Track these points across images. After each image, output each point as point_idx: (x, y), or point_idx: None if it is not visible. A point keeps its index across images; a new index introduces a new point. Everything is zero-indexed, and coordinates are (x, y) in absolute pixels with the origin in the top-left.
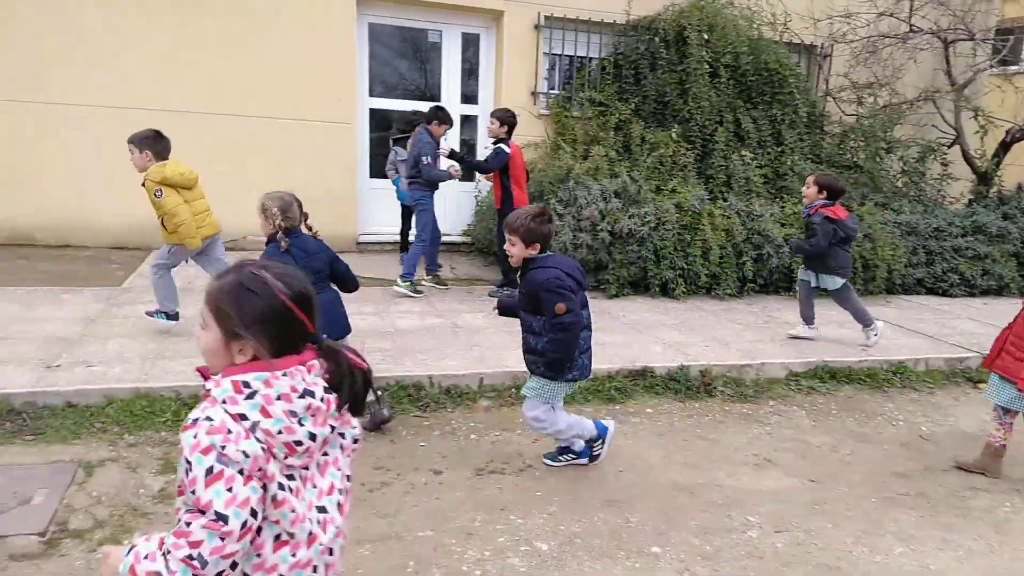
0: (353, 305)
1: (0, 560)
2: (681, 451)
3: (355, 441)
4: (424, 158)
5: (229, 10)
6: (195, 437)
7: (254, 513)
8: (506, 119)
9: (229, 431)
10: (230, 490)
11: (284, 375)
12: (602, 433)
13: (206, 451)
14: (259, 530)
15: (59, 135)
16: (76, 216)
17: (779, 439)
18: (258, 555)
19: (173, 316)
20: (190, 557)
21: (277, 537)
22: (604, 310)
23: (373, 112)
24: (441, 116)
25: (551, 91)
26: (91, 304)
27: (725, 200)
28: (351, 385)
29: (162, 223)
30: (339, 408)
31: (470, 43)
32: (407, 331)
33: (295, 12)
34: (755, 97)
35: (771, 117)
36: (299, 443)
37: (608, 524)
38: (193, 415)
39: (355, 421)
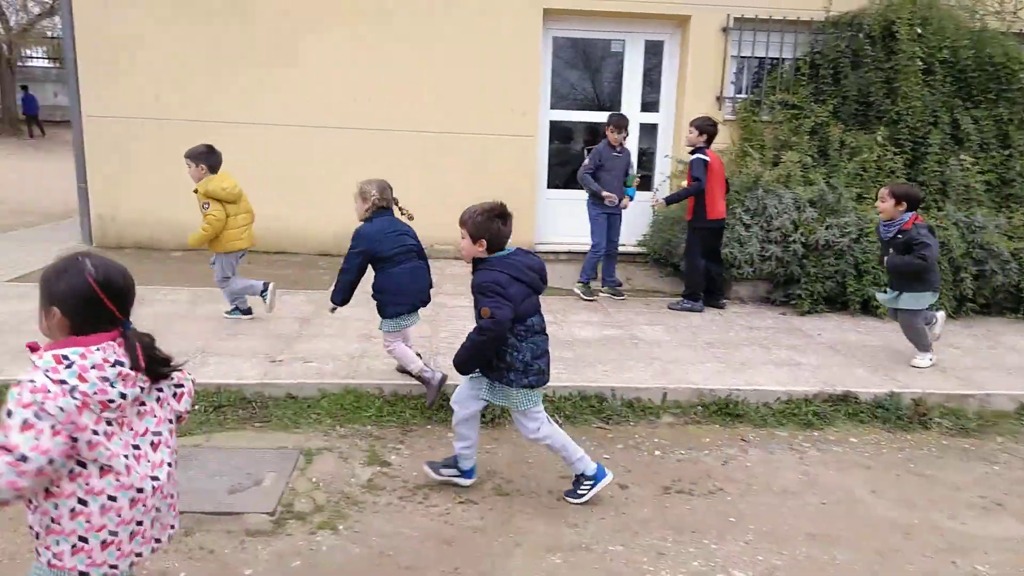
0: None
1: (238, 534)
2: (892, 486)
3: (179, 386)
4: (585, 161)
5: (421, 35)
6: (19, 395)
7: (51, 462)
8: (705, 128)
9: (48, 391)
10: (37, 439)
11: (98, 349)
12: (599, 477)
13: (27, 406)
14: (84, 465)
15: (275, 153)
16: (289, 226)
17: (1010, 480)
18: (87, 483)
19: (246, 311)
20: None
21: (101, 468)
22: (795, 328)
23: (553, 124)
24: (613, 121)
25: (738, 95)
26: (304, 305)
27: (941, 210)
28: (149, 359)
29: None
30: (154, 378)
31: (652, 50)
32: (586, 341)
33: (484, 32)
34: (976, 95)
35: (996, 117)
36: (111, 401)
37: (813, 560)
38: (22, 378)
39: (176, 378)
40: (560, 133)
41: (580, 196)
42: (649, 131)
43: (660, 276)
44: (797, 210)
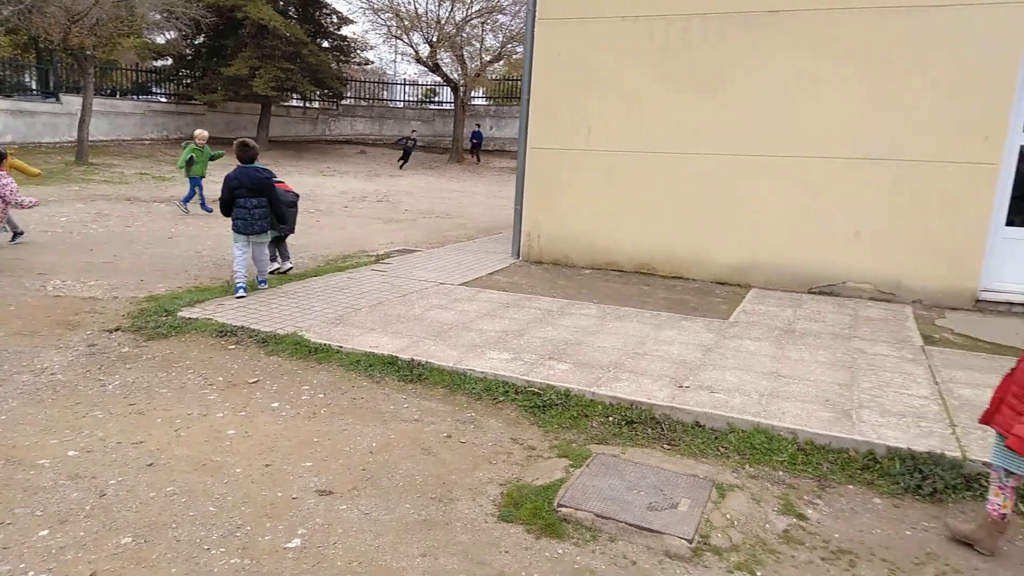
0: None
1: (657, 552)
2: None
3: None
4: None
5: (869, 59)
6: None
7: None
8: None
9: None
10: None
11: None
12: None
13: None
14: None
15: (674, 180)
16: (688, 251)
17: None
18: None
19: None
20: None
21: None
22: None
23: None
24: None
25: None
26: (703, 333)
27: None
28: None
29: None
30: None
31: None
32: None
33: (947, 54)
34: None
35: None
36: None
37: None
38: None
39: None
40: None
41: None
42: None
43: None
44: None
